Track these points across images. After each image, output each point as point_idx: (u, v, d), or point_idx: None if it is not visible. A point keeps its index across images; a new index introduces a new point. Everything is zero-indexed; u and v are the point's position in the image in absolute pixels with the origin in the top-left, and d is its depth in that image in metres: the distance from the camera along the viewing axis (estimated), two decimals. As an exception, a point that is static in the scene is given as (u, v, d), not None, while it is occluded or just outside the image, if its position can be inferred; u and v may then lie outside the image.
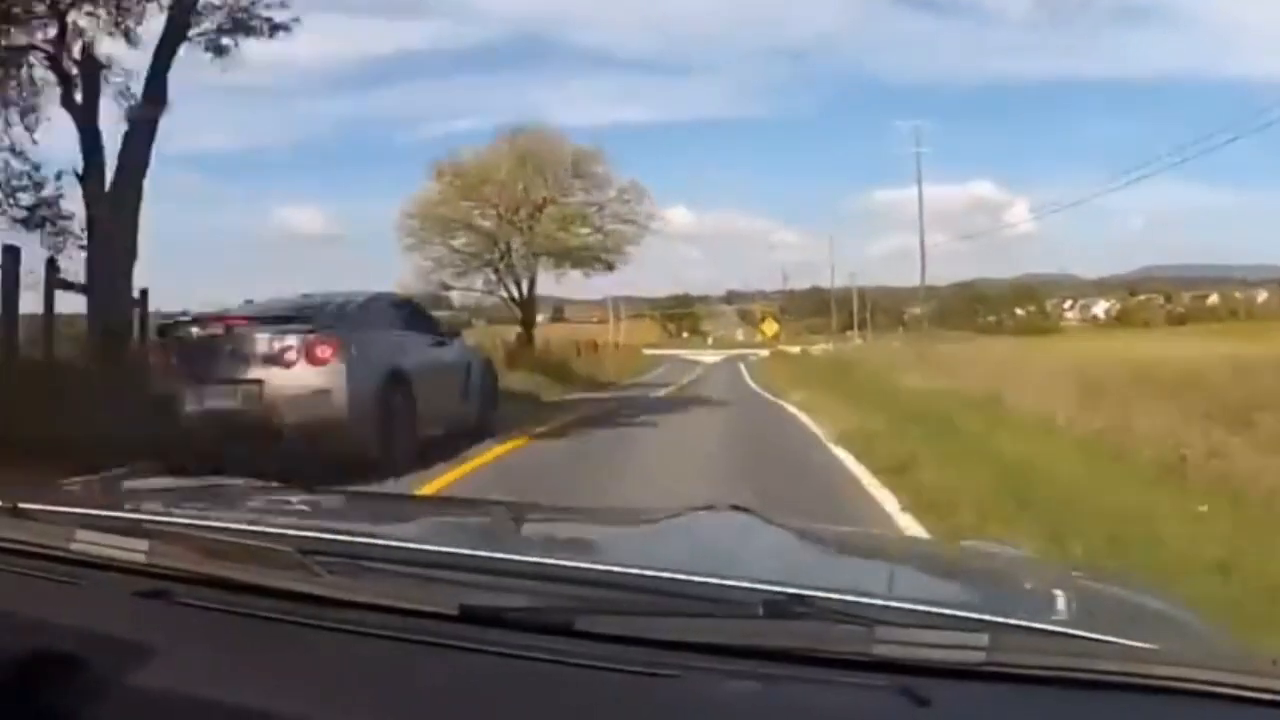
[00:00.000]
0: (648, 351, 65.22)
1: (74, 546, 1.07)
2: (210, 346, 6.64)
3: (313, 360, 6.35)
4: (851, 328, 75.79)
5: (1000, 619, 0.96)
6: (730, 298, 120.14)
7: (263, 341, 6.49)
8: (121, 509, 1.23)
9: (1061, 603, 1.31)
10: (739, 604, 0.96)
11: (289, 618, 0.96)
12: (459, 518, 1.85)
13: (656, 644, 0.90)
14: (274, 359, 6.36)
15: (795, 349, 55.49)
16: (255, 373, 6.31)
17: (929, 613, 0.95)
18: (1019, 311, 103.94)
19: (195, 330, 6.89)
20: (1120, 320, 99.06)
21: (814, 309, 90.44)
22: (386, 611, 0.95)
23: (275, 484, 1.77)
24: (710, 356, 66.97)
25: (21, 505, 1.17)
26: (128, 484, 1.77)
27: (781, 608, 0.93)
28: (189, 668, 0.90)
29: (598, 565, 1.12)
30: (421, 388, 7.25)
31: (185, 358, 6.64)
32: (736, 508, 1.60)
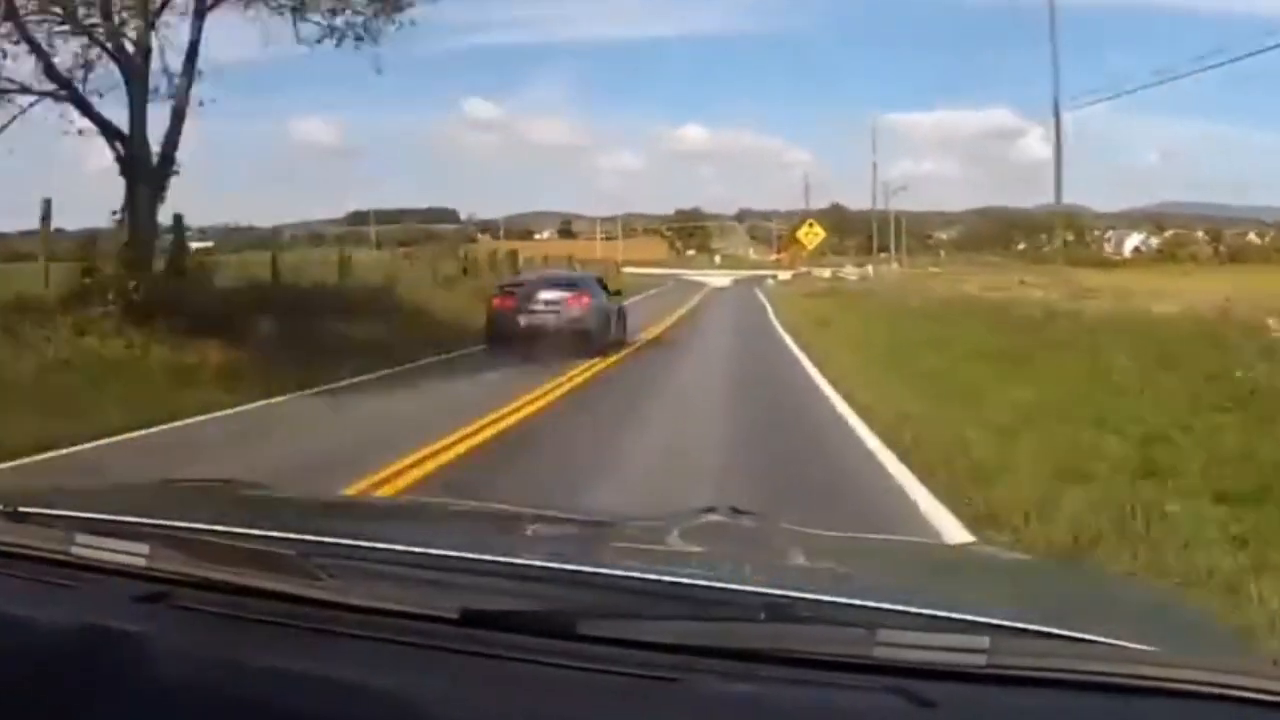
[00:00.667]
0: (637, 272, 54.24)
1: (74, 550, 1.07)
2: (529, 291, 15.19)
3: (579, 303, 14.85)
4: (882, 250, 65.65)
5: (1002, 622, 0.95)
6: (742, 215, 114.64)
7: (556, 291, 15.10)
8: (121, 513, 1.22)
9: (1063, 605, 1.31)
10: (740, 607, 0.96)
11: (289, 621, 0.96)
12: (459, 521, 1.85)
13: (658, 647, 0.90)
14: (562, 300, 14.77)
15: (824, 273, 45.44)
16: (555, 305, 14.70)
17: (930, 616, 0.95)
18: (1057, 240, 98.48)
19: (518, 286, 15.98)
20: (1166, 255, 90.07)
21: (832, 227, 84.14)
22: (387, 615, 0.95)
23: (271, 487, 1.77)
24: (716, 278, 55.62)
25: (22, 509, 1.17)
26: (128, 487, 1.77)
27: (783, 611, 0.94)
28: (189, 671, 0.90)
29: (599, 569, 1.12)
30: (610, 317, 15.77)
31: (516, 296, 15.11)
32: (737, 511, 1.60)
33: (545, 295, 14.78)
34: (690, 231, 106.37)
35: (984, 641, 0.86)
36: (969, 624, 0.94)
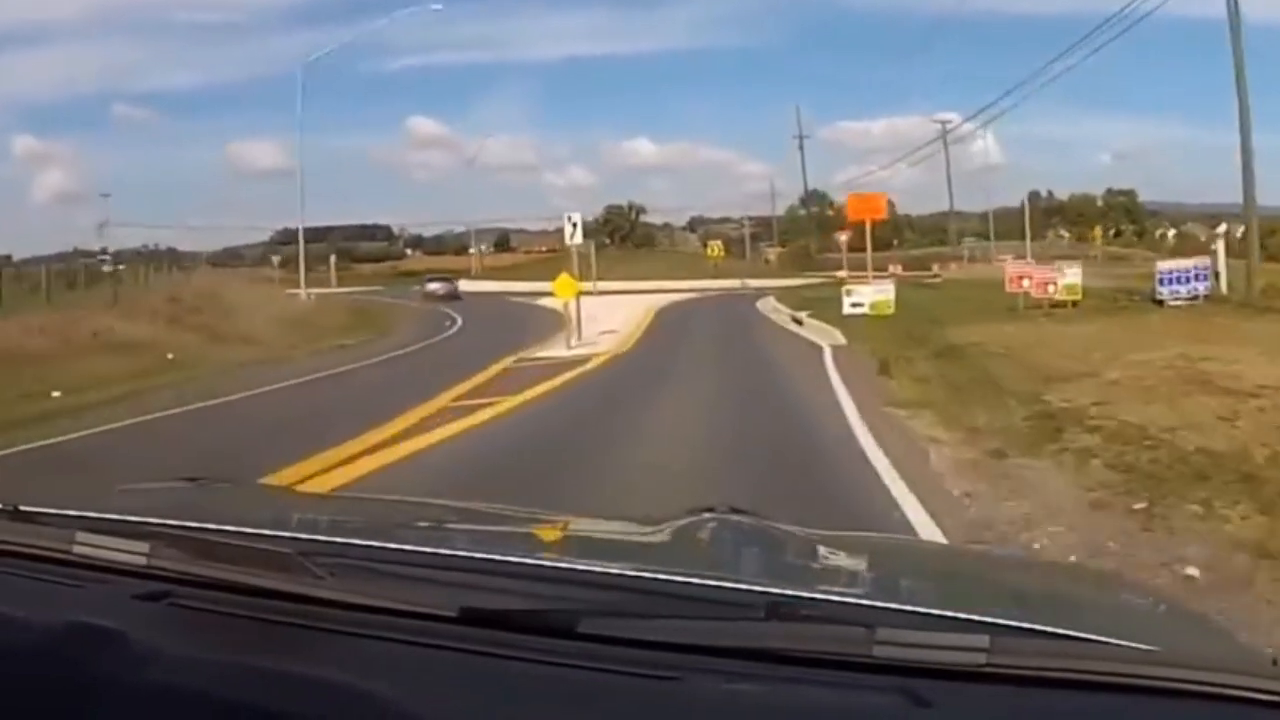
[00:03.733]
0: (482, 289, 47.03)
1: (75, 549, 1.07)
2: (432, 278, 51.11)
3: (450, 283, 49.22)
4: (874, 255, 46.03)
5: (1001, 621, 0.95)
6: (694, 224, 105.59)
7: (442, 279, 50.60)
8: (122, 512, 1.22)
9: (1062, 604, 1.31)
10: (740, 606, 0.96)
11: (289, 620, 0.96)
12: (459, 521, 1.85)
13: (658, 646, 0.90)
14: (446, 281, 49.79)
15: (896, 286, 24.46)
16: (443, 284, 48.84)
17: (930, 615, 0.95)
18: (1111, 231, 74.19)
19: (430, 275, 53.89)
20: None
21: (814, 224, 68.43)
22: (387, 614, 0.95)
23: (272, 486, 1.76)
24: (609, 314, 24.70)
25: (23, 508, 1.17)
26: (128, 487, 1.77)
27: (783, 610, 0.94)
28: (189, 670, 0.89)
29: (599, 568, 1.12)
30: (454, 291, 48.39)
31: (429, 281, 50.53)
32: (737, 510, 1.60)
33: (439, 278, 48.48)
34: (624, 233, 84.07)
35: (983, 641, 0.86)
36: (968, 623, 0.94)
